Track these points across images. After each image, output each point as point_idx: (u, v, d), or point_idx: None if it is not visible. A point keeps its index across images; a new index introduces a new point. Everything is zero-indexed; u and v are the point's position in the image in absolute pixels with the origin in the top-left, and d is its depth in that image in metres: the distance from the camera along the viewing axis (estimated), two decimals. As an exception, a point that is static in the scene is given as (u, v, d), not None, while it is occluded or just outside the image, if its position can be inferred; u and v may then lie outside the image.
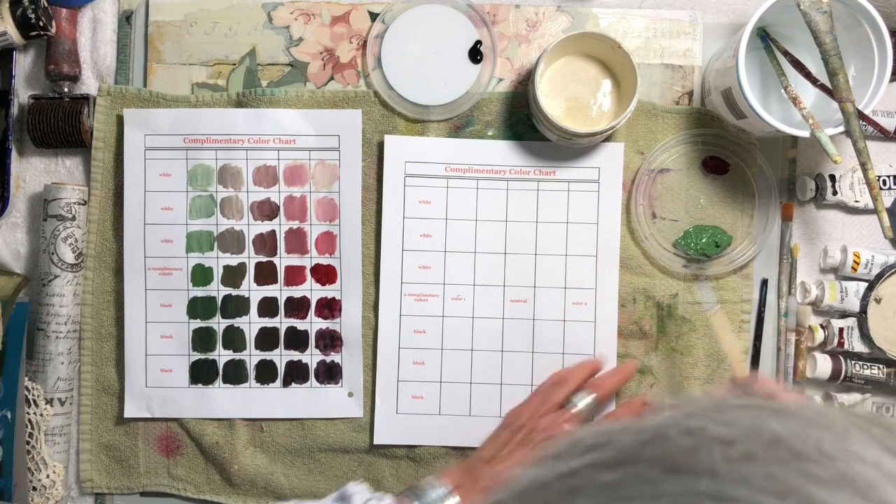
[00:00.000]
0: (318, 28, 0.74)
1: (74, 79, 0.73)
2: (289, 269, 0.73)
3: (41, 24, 0.69)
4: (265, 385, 0.73)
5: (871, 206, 0.70)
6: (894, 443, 0.22)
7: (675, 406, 0.25)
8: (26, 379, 0.70)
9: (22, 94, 0.74)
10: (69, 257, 0.71)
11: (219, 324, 0.73)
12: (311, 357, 0.73)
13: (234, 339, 0.73)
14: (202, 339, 0.73)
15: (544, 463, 0.25)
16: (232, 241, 0.73)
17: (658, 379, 0.72)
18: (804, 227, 0.73)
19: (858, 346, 0.71)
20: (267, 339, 0.73)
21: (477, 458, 0.65)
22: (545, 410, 0.66)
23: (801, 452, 0.21)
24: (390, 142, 0.72)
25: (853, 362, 0.71)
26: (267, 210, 0.73)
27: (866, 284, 0.71)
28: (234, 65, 0.74)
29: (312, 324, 0.73)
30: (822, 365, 0.71)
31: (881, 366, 0.71)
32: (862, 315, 0.70)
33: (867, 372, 0.71)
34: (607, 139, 0.72)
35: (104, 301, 0.74)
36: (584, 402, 0.66)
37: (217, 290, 0.73)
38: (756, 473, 0.21)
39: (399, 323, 0.72)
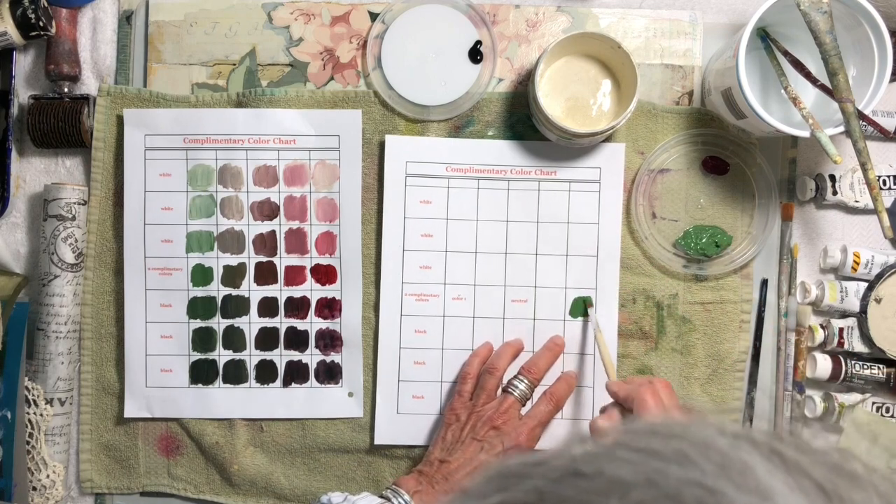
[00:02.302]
0: (318, 28, 0.74)
1: (74, 79, 0.73)
2: (289, 269, 0.73)
3: (41, 24, 0.69)
4: (265, 385, 0.73)
5: (871, 206, 0.70)
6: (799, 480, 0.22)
7: (607, 432, 0.24)
8: (26, 379, 0.70)
9: (22, 94, 0.74)
10: (69, 257, 0.71)
11: (219, 324, 0.73)
12: (311, 357, 0.73)
13: (234, 339, 0.73)
14: (202, 339, 0.73)
15: (455, 500, 0.25)
16: (232, 241, 0.73)
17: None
18: (804, 227, 0.73)
19: (858, 346, 0.71)
20: (267, 339, 0.73)
21: (428, 462, 0.66)
22: (483, 401, 0.67)
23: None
24: (391, 142, 0.72)
25: (853, 362, 0.71)
26: (267, 210, 0.73)
27: (866, 284, 0.71)
28: (234, 65, 0.74)
29: (312, 324, 0.73)
30: (822, 365, 0.71)
31: (881, 366, 0.71)
32: (862, 315, 0.70)
33: (867, 372, 0.71)
34: (608, 139, 0.72)
35: (104, 301, 0.74)
36: (520, 387, 0.68)
37: (217, 290, 0.73)
38: None
39: (400, 323, 0.72)
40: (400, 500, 0.63)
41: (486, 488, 0.24)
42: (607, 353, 0.68)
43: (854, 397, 0.71)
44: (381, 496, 0.63)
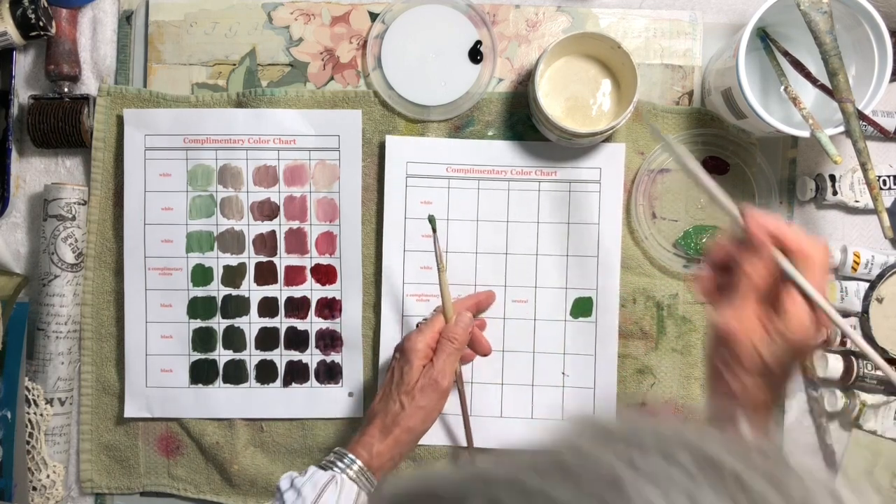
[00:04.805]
0: (318, 28, 0.74)
1: (74, 79, 0.73)
2: (289, 269, 0.73)
3: (41, 24, 0.69)
4: (265, 385, 0.73)
5: (871, 206, 0.70)
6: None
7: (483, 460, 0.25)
8: (26, 379, 0.70)
9: (22, 94, 0.74)
10: (69, 257, 0.71)
11: (219, 324, 0.73)
12: (311, 357, 0.73)
13: (234, 339, 0.73)
14: (202, 339, 0.73)
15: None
16: (232, 241, 0.73)
17: (658, 379, 0.72)
18: (804, 227, 0.73)
19: (860, 346, 0.71)
20: (267, 339, 0.73)
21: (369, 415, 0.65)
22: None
23: None
24: (392, 142, 0.72)
25: (865, 362, 0.71)
26: (267, 210, 0.73)
27: (867, 284, 0.71)
28: (234, 65, 0.74)
29: (312, 324, 0.73)
30: (833, 364, 0.71)
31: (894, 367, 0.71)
32: (864, 315, 0.70)
33: (880, 373, 0.71)
34: (607, 139, 0.72)
35: (104, 301, 0.74)
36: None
37: (217, 290, 0.73)
38: None
39: (401, 323, 0.72)
40: (342, 463, 0.61)
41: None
42: (447, 290, 0.67)
43: (878, 398, 0.71)
44: (324, 465, 0.62)
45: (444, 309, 0.67)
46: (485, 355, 0.70)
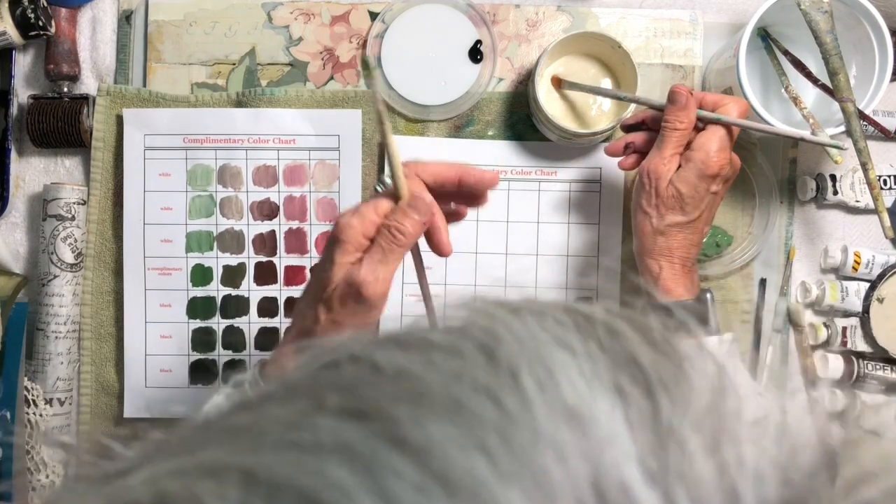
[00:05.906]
0: (317, 28, 0.73)
1: (74, 79, 0.73)
2: (289, 269, 0.73)
3: (41, 23, 0.69)
4: (265, 385, 0.73)
5: (871, 205, 0.69)
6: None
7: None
8: (26, 379, 0.70)
9: (22, 94, 0.74)
10: (69, 257, 0.71)
11: (218, 324, 0.73)
12: (311, 357, 0.73)
13: (233, 339, 0.73)
14: (202, 340, 0.73)
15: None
16: (232, 241, 0.73)
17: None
18: (804, 227, 0.73)
19: (861, 346, 0.71)
20: (267, 339, 0.73)
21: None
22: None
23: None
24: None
25: (865, 362, 0.71)
26: (267, 210, 0.73)
27: (867, 284, 0.71)
28: (234, 64, 0.74)
29: (312, 324, 0.73)
30: (834, 364, 0.70)
31: (894, 367, 0.71)
32: (865, 315, 0.70)
33: (880, 373, 0.70)
34: (608, 139, 0.72)
35: (104, 301, 0.74)
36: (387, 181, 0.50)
37: (217, 290, 0.73)
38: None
39: (401, 323, 0.72)
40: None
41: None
42: (395, 149, 0.46)
43: (878, 399, 0.71)
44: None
45: (394, 179, 0.46)
46: (442, 255, 0.51)
